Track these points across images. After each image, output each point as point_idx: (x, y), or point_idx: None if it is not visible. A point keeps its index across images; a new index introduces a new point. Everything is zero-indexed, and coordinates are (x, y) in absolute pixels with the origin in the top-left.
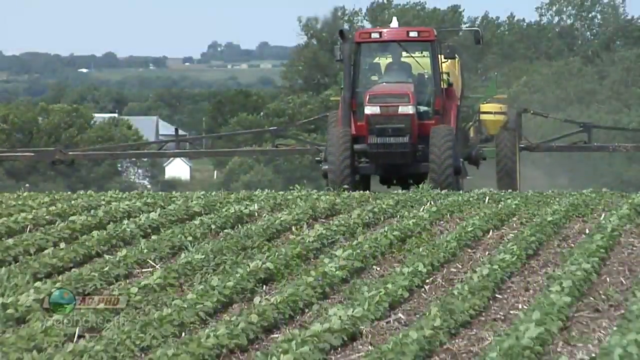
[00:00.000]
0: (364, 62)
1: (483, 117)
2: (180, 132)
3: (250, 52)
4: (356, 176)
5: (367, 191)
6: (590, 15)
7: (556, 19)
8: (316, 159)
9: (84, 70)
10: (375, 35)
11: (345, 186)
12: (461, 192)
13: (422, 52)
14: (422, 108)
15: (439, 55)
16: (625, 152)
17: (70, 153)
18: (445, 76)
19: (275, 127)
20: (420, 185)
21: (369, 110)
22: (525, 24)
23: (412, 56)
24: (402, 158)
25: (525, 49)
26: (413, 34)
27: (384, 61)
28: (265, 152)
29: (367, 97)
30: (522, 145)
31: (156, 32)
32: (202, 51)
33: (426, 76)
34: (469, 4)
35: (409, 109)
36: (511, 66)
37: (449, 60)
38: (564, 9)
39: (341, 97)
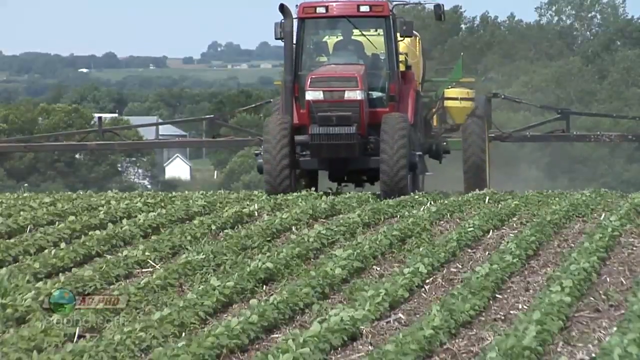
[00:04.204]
0: (308, 41)
1: (448, 103)
2: (181, 132)
3: (250, 52)
4: (299, 172)
5: (313, 188)
6: (589, 16)
7: (555, 18)
8: (255, 152)
9: (84, 70)
10: (320, 10)
11: (283, 186)
12: (419, 192)
13: (376, 30)
14: (376, 94)
15: (395, 33)
16: (609, 142)
17: None
18: (402, 57)
19: (212, 115)
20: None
21: (310, 95)
22: (524, 23)
23: (363, 34)
24: (348, 151)
25: (525, 49)
26: (364, 9)
27: (332, 40)
28: (200, 143)
29: (309, 80)
30: (492, 135)
31: (156, 32)
32: (202, 51)
33: (381, 57)
34: (469, 4)
35: (356, 95)
36: (511, 66)
37: (409, 39)
38: (564, 9)
39: (282, 82)
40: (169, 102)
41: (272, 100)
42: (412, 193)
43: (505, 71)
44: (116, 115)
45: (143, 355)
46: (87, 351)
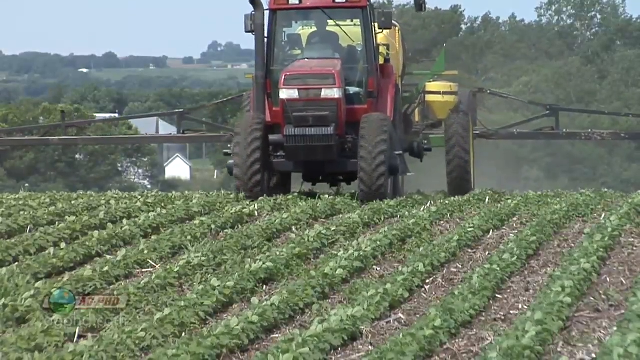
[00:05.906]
0: (281, 34)
1: (429, 98)
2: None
3: (251, 52)
4: (272, 174)
5: (288, 193)
6: (589, 15)
7: (555, 18)
8: (224, 151)
9: (84, 70)
10: (293, 1)
11: (254, 188)
12: (399, 197)
13: (352, 21)
14: (353, 89)
15: (373, 25)
16: (601, 140)
17: None
18: (381, 49)
19: (182, 110)
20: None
21: (284, 94)
22: (525, 23)
23: (339, 25)
24: (326, 153)
25: (525, 49)
26: None
27: (305, 31)
28: (169, 139)
29: (283, 77)
30: (477, 132)
31: (156, 32)
32: (202, 51)
33: (358, 49)
34: (470, 4)
35: (334, 93)
36: (511, 66)
37: (388, 30)
38: (564, 8)
39: (253, 77)
40: (169, 102)
41: (244, 94)
42: (390, 198)
43: (505, 71)
44: (116, 115)
45: (143, 355)
46: (87, 351)
